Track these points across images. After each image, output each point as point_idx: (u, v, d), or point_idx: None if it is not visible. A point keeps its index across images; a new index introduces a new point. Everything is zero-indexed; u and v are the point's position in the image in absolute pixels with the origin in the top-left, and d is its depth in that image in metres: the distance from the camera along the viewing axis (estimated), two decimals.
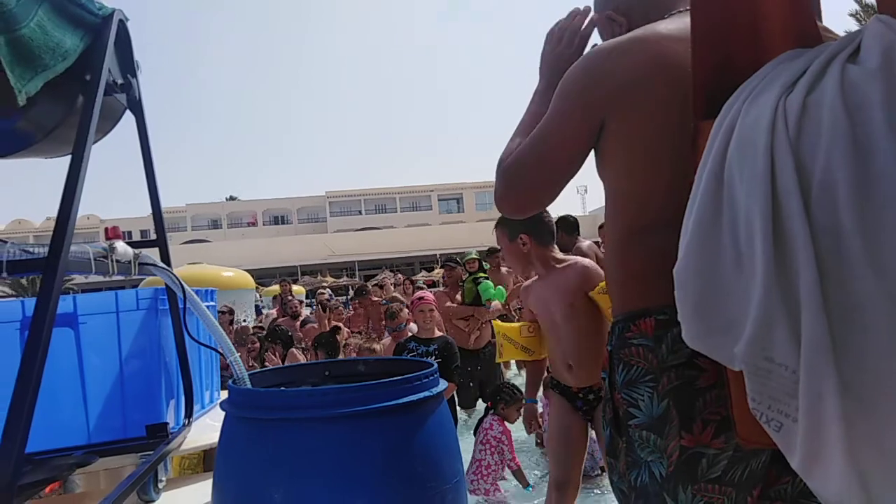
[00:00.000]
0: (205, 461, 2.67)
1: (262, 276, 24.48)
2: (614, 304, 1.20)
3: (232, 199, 56.55)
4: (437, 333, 4.36)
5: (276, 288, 13.16)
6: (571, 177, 1.21)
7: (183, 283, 1.69)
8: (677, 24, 1.08)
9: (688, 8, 1.10)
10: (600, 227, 5.30)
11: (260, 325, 7.62)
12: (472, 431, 4.85)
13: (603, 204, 1.25)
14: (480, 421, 4.04)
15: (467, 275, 5.83)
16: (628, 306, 1.13)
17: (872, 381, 0.65)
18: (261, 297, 14.01)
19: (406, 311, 4.86)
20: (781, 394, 0.72)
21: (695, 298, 0.81)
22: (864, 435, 0.66)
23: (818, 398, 0.67)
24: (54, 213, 1.32)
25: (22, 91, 1.29)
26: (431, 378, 1.43)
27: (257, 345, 5.94)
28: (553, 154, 1.18)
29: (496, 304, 5.36)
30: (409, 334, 4.55)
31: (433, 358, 3.99)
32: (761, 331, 0.72)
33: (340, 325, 5.78)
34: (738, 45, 0.85)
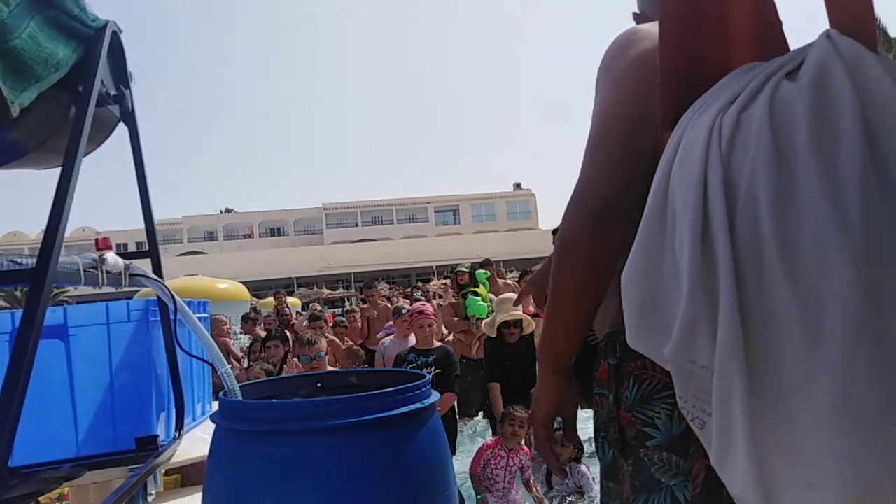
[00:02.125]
0: (182, 480, 2.64)
1: (258, 289, 24.46)
2: (615, 310, 1.09)
3: (228, 211, 56.47)
4: (436, 343, 4.36)
5: (271, 300, 13.14)
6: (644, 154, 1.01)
7: (174, 294, 1.68)
8: None
9: None
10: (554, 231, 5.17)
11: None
12: (471, 440, 4.86)
13: None
14: None
15: (459, 288, 5.85)
16: None
17: (782, 384, 0.67)
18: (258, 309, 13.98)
19: (325, 341, 4.81)
20: (703, 393, 0.75)
21: (638, 302, 0.84)
22: (769, 434, 0.68)
23: (727, 398, 0.70)
24: None
25: (15, 102, 1.29)
26: (423, 389, 1.43)
27: (280, 350, 5.82)
28: (618, 131, 1.03)
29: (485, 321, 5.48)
30: (327, 366, 4.54)
31: (432, 369, 3.99)
32: (686, 335, 0.74)
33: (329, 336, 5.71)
34: (705, 56, 0.87)
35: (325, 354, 4.40)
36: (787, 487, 0.68)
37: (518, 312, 4.61)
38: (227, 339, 6.58)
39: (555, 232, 5.16)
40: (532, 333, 4.72)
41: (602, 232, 1.00)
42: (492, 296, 5.85)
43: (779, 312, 0.67)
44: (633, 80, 1.04)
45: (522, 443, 3.96)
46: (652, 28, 1.06)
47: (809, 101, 0.67)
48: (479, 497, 3.79)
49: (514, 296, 4.87)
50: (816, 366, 0.65)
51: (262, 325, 7.69)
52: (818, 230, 0.65)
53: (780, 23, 0.86)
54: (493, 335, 4.62)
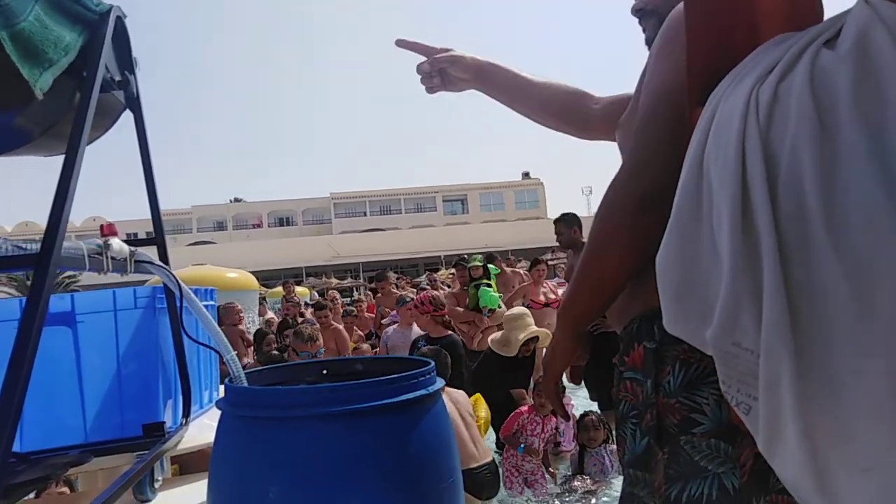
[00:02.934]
0: (181, 470, 2.66)
1: (267, 278, 24.56)
2: (650, 291, 1.03)
3: (237, 200, 56.60)
4: (445, 333, 4.37)
5: (280, 290, 13.20)
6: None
7: (180, 281, 1.68)
8: None
9: None
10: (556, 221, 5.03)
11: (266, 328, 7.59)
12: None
13: None
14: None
15: (471, 280, 5.89)
16: None
17: (834, 365, 0.64)
18: (265, 298, 14.04)
19: (319, 336, 4.78)
20: (748, 377, 0.72)
21: (675, 285, 0.81)
22: (821, 418, 0.66)
23: (776, 381, 0.67)
24: None
25: (36, 85, 1.28)
26: (428, 376, 1.42)
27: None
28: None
29: (499, 312, 5.49)
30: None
31: None
32: (729, 317, 0.72)
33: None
34: (733, 28, 0.83)
35: (324, 351, 4.40)
36: (841, 473, 0.65)
37: (534, 328, 4.55)
38: (242, 328, 6.61)
39: (556, 221, 5.14)
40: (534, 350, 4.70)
41: (648, 217, 0.97)
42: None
43: (827, 289, 0.63)
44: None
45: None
46: None
47: (852, 69, 0.64)
48: (520, 450, 3.93)
49: (526, 311, 4.85)
50: (870, 344, 0.61)
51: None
52: (866, 202, 0.61)
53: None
54: (512, 354, 4.49)
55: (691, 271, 0.78)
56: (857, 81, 0.64)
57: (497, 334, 4.79)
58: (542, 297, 6.07)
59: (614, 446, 4.05)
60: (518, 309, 4.96)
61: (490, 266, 6.22)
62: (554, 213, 5.15)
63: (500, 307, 5.66)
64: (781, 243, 0.67)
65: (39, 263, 1.15)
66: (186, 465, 2.63)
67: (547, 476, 4.02)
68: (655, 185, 0.96)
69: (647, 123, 1.02)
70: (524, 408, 4.09)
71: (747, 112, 0.71)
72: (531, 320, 4.63)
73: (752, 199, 0.69)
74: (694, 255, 0.78)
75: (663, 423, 1.01)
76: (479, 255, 6.43)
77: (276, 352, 5.29)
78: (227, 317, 5.94)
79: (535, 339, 4.55)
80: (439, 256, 32.92)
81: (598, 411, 4.48)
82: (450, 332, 4.48)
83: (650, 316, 1.04)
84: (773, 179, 0.68)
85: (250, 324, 8.95)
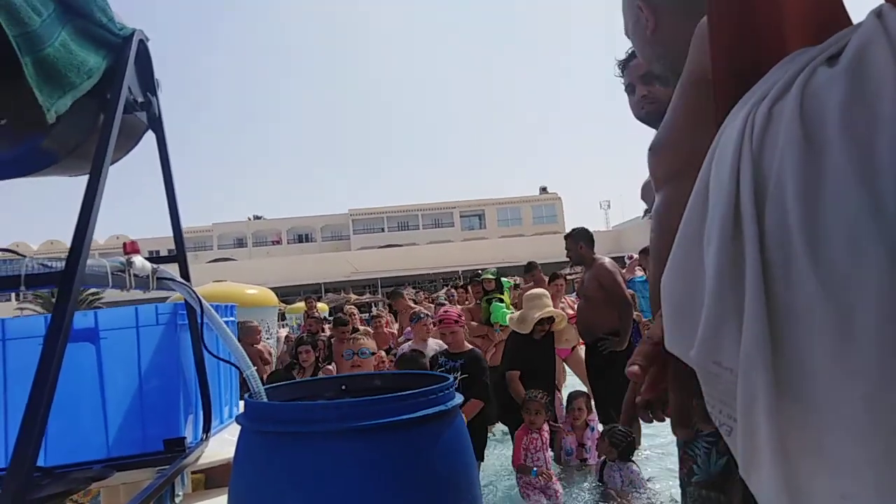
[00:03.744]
0: (207, 482, 2.67)
1: (286, 294, 24.68)
2: None
3: (257, 218, 57.16)
4: (467, 347, 4.36)
5: (300, 305, 13.27)
6: None
7: (201, 297, 1.70)
8: None
9: None
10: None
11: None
12: (492, 447, 4.88)
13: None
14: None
15: (484, 293, 5.90)
16: None
17: (813, 384, 0.63)
18: (284, 314, 14.12)
19: (369, 339, 4.77)
20: (728, 396, 0.71)
21: (674, 305, 0.81)
22: (798, 441, 0.65)
23: (752, 400, 0.67)
24: None
25: (51, 110, 1.32)
26: (446, 392, 1.42)
27: (311, 355, 5.85)
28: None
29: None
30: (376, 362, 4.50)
31: (458, 373, 3.99)
32: (711, 335, 0.72)
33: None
34: (759, 50, 0.83)
35: (372, 353, 4.35)
36: (818, 498, 0.64)
37: (550, 309, 4.64)
38: (261, 347, 6.65)
39: (567, 237, 5.14)
40: (552, 333, 4.79)
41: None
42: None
43: (807, 310, 0.63)
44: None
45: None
46: None
47: (844, 86, 0.63)
48: (533, 475, 3.96)
49: (545, 292, 4.90)
50: (849, 365, 0.60)
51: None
52: (849, 222, 0.60)
53: (843, 8, 0.81)
54: (527, 331, 4.60)
55: (688, 291, 0.79)
56: (848, 99, 0.63)
57: (516, 313, 4.89)
58: (563, 306, 6.06)
59: (632, 464, 4.00)
60: (539, 290, 5.00)
61: (504, 280, 6.24)
62: (572, 227, 5.17)
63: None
64: (766, 262, 0.67)
65: (64, 281, 1.18)
66: (212, 478, 2.64)
67: (559, 484, 4.02)
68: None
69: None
70: (519, 431, 4.15)
71: (743, 135, 0.71)
72: (549, 301, 4.71)
73: (742, 220, 0.69)
74: (692, 275, 0.78)
75: None
76: (493, 269, 6.44)
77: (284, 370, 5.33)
78: (248, 336, 5.98)
79: (551, 320, 4.63)
80: (457, 271, 32.89)
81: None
82: (472, 347, 4.48)
83: None
84: (761, 200, 0.68)
85: (269, 340, 9.00)
